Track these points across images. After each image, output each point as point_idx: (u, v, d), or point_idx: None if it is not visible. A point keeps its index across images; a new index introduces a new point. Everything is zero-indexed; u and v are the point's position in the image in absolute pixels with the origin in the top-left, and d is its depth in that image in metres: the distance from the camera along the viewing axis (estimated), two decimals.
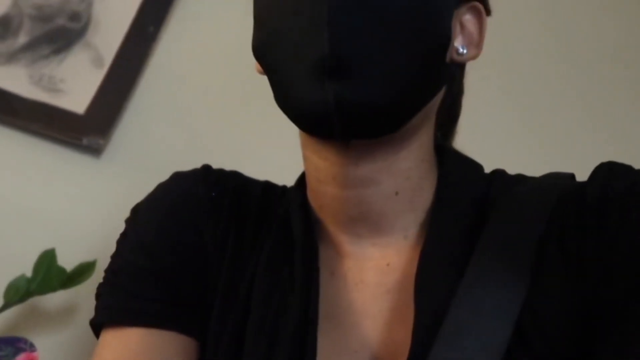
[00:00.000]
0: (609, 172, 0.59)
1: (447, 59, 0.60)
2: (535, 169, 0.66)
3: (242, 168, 0.73)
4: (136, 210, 0.70)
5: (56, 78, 1.03)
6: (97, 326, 0.65)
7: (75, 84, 1.03)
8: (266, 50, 0.59)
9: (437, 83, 0.60)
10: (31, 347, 0.71)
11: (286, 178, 0.71)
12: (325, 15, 0.53)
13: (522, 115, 1.07)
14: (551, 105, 1.08)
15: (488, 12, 0.64)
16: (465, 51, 0.61)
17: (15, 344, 0.72)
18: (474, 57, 0.63)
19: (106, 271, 0.68)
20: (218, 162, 0.73)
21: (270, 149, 1.01)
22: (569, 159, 0.66)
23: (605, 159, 0.61)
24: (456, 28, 0.60)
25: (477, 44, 0.62)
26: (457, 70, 0.65)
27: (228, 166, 0.73)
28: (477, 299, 0.56)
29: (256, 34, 0.60)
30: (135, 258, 0.66)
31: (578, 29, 1.11)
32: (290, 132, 0.63)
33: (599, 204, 0.56)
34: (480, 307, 0.55)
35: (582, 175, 0.62)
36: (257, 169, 0.75)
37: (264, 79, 0.61)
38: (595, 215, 0.56)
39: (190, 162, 1.00)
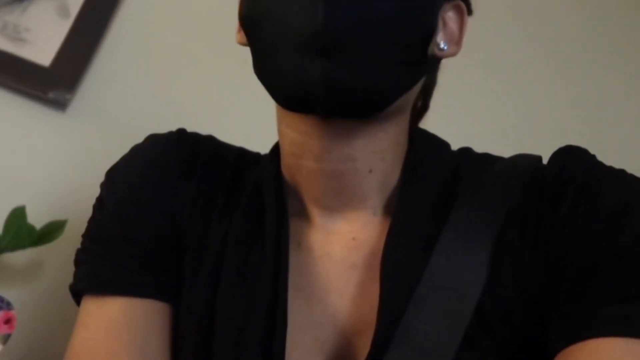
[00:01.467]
0: (565, 155, 0.62)
1: (429, 52, 0.62)
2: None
3: (210, 124, 0.73)
4: (111, 175, 0.70)
5: (20, 27, 1.00)
6: (77, 293, 0.67)
7: (40, 34, 1.00)
8: (253, 20, 0.60)
9: (419, 73, 0.62)
10: (8, 306, 0.73)
11: (259, 136, 0.72)
12: None
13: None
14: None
15: (470, 12, 0.66)
16: (446, 47, 0.63)
17: None
18: (453, 54, 0.64)
19: (84, 236, 0.68)
20: (186, 117, 0.74)
21: (243, 105, 1.01)
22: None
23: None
24: (439, 24, 0.62)
25: (457, 42, 0.64)
26: (436, 65, 0.68)
27: (195, 122, 0.72)
28: (442, 279, 0.57)
29: (247, 3, 0.61)
30: (113, 226, 0.66)
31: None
32: (265, 93, 0.63)
33: (555, 187, 0.59)
34: (444, 289, 0.57)
35: None
36: (228, 126, 0.76)
37: (233, 35, 0.60)
38: (551, 199, 0.58)
39: (157, 117, 1.01)
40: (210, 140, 0.72)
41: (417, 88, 0.65)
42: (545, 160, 0.64)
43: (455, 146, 0.69)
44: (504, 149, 0.68)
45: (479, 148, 0.69)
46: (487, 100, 1.12)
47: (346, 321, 0.61)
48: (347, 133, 0.61)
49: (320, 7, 0.54)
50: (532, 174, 0.62)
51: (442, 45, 0.63)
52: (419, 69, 0.62)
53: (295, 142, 0.63)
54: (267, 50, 0.59)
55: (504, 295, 0.57)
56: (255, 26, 0.60)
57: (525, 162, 0.64)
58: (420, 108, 0.73)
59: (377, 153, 0.62)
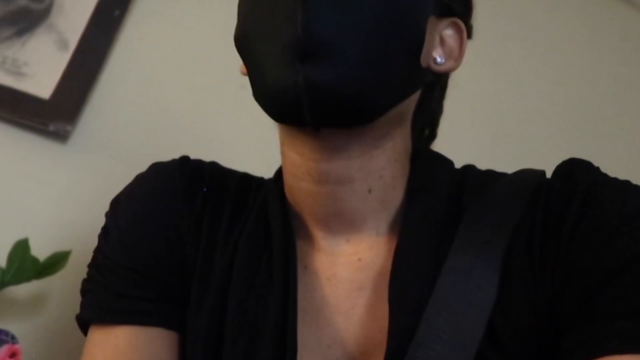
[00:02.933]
0: (569, 168, 0.61)
1: (424, 64, 0.62)
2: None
3: (211, 155, 0.74)
4: (115, 204, 0.70)
5: (20, 61, 1.01)
6: (84, 323, 0.67)
7: (39, 67, 1.01)
8: (244, 40, 0.61)
9: (410, 83, 0.62)
10: (13, 339, 0.72)
11: (262, 162, 0.73)
12: None
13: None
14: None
15: (469, 35, 0.67)
16: (443, 61, 0.63)
17: None
18: (451, 69, 0.65)
19: (89, 266, 0.69)
20: (187, 147, 0.74)
21: (242, 136, 1.02)
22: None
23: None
24: (435, 39, 0.63)
25: (456, 58, 0.65)
26: (434, 79, 0.67)
27: (198, 149, 0.73)
28: (451, 299, 0.57)
29: (237, 26, 0.62)
30: (117, 256, 0.66)
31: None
32: (267, 118, 0.64)
33: (559, 202, 0.59)
34: (455, 307, 0.56)
35: None
36: (228, 156, 0.76)
37: (234, 64, 0.61)
38: (556, 213, 0.58)
39: (157, 148, 1.01)
40: (214, 166, 0.72)
41: (412, 102, 0.64)
42: (548, 174, 0.64)
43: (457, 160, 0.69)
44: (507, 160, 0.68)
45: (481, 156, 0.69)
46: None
47: (356, 343, 0.61)
48: (341, 151, 0.61)
49: (301, 14, 0.54)
50: (537, 189, 0.61)
51: (439, 60, 0.63)
52: (409, 78, 0.61)
53: (295, 163, 0.63)
54: (255, 66, 0.59)
55: (514, 312, 0.57)
56: (245, 45, 0.61)
57: (529, 177, 0.64)
58: (428, 136, 0.73)
59: (374, 172, 0.62)
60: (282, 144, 0.65)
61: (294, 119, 0.59)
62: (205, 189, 0.69)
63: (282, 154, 0.66)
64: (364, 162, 0.62)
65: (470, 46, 0.66)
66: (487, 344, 0.56)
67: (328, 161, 0.61)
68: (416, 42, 0.60)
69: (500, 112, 1.15)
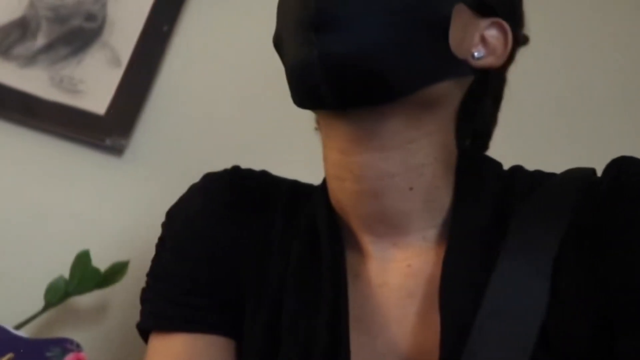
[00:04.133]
0: (619, 167, 0.61)
1: (460, 55, 0.61)
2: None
3: (262, 164, 0.75)
4: (170, 214, 0.72)
5: (75, 79, 1.05)
6: (144, 330, 0.69)
7: (94, 84, 1.05)
8: (277, 39, 0.62)
9: (438, 67, 0.61)
10: (78, 347, 0.75)
11: (308, 172, 0.73)
12: None
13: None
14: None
15: (523, 42, 0.67)
16: (481, 55, 0.63)
17: (63, 344, 0.75)
18: (492, 65, 0.65)
19: (148, 276, 0.70)
20: (237, 157, 0.75)
21: (292, 146, 1.03)
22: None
23: None
24: (474, 37, 0.63)
25: (499, 55, 0.65)
26: (478, 77, 0.66)
27: (249, 161, 0.75)
28: (503, 306, 0.56)
29: (275, 30, 0.64)
30: (174, 265, 0.68)
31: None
32: (312, 127, 0.65)
33: (609, 203, 0.58)
34: (506, 314, 0.56)
35: None
36: (279, 165, 0.77)
37: (281, 73, 0.62)
38: (606, 214, 0.58)
39: (209, 158, 1.03)
40: (264, 175, 0.73)
41: (449, 95, 0.63)
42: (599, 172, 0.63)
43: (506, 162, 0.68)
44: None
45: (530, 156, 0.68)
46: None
47: (409, 352, 0.61)
48: (374, 135, 0.60)
49: None
50: (586, 190, 0.60)
51: (476, 54, 0.63)
52: (435, 61, 0.60)
53: (335, 163, 0.64)
54: (284, 58, 0.61)
55: (567, 317, 0.56)
56: (279, 43, 0.62)
57: (579, 178, 0.63)
58: (479, 147, 0.73)
59: (413, 168, 0.62)
60: (324, 147, 0.66)
61: (313, 98, 0.59)
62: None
63: (324, 159, 0.66)
64: (401, 156, 0.61)
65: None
66: (540, 350, 0.55)
67: (365, 151, 0.61)
68: (438, 21, 0.59)
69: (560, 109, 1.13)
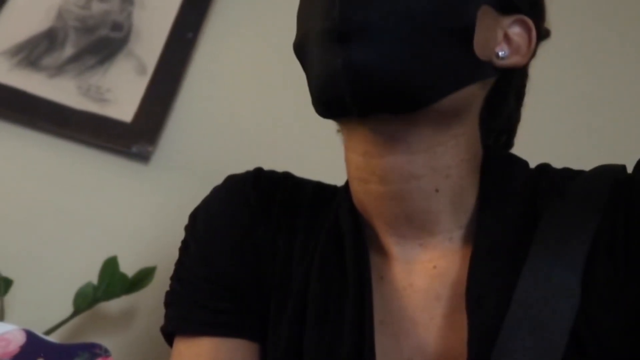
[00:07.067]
0: None
1: (483, 57, 0.60)
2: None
3: (288, 168, 0.75)
4: (193, 217, 0.72)
5: (103, 88, 1.07)
6: (168, 334, 0.69)
7: (120, 92, 1.06)
8: (299, 46, 0.62)
9: (463, 73, 0.60)
10: (106, 352, 0.75)
11: (335, 175, 0.73)
12: None
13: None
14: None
15: (545, 36, 0.65)
16: (505, 54, 0.62)
17: (91, 349, 0.75)
18: (517, 65, 0.64)
19: (172, 279, 0.71)
20: (262, 162, 0.75)
21: (315, 149, 1.04)
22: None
23: None
24: (497, 35, 0.62)
25: (523, 54, 0.64)
26: (500, 77, 0.65)
27: (274, 167, 0.74)
28: (532, 306, 0.55)
29: (295, 37, 0.63)
30: (197, 268, 0.68)
31: None
32: (334, 130, 0.64)
33: None
34: (536, 315, 0.55)
35: None
36: (304, 170, 0.77)
37: (305, 79, 0.62)
38: (638, 212, 0.57)
39: (235, 163, 1.04)
40: (287, 177, 0.73)
41: (474, 97, 0.63)
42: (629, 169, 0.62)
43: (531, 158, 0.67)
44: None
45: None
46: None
47: (436, 354, 0.60)
48: (400, 141, 0.60)
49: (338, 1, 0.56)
50: (616, 188, 0.59)
51: (500, 54, 0.62)
52: (461, 67, 0.59)
53: (359, 166, 0.63)
54: (307, 66, 0.61)
55: (598, 318, 0.55)
56: (300, 50, 0.62)
57: (610, 175, 0.61)
58: (504, 144, 0.72)
59: (440, 170, 0.61)
60: (345, 149, 0.65)
61: (337, 108, 0.59)
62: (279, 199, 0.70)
63: (347, 161, 0.65)
64: (427, 159, 0.61)
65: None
66: (571, 352, 0.54)
67: (390, 154, 0.60)
68: (463, 27, 0.58)
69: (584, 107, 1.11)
